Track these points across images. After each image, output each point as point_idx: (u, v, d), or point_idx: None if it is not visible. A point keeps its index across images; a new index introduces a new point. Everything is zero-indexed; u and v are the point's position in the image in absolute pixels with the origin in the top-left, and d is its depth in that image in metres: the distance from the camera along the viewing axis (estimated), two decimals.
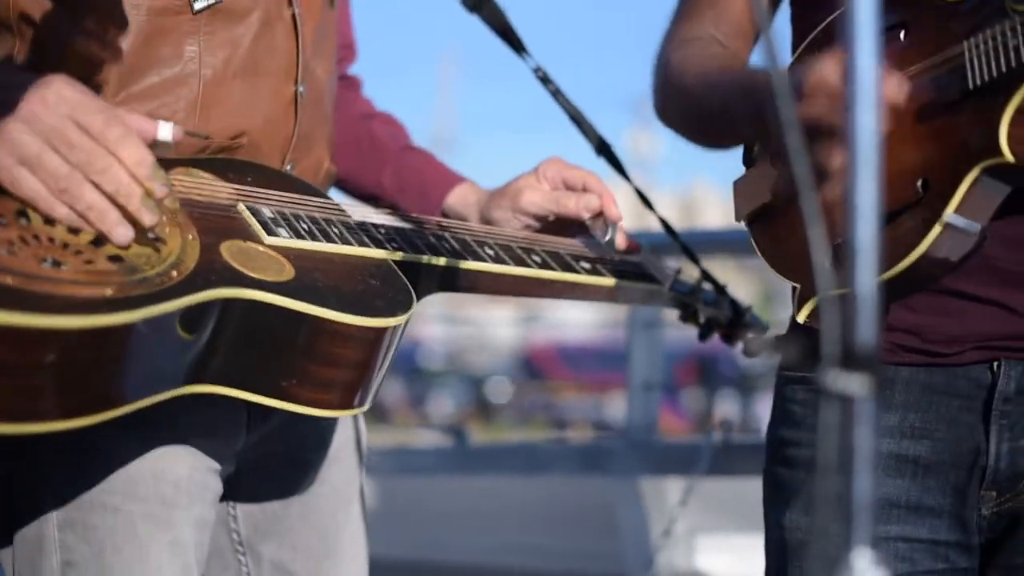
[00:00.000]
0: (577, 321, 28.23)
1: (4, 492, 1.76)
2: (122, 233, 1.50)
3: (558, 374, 21.54)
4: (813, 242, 1.08)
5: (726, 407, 17.13)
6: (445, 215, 2.00)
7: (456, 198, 2.01)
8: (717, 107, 1.83)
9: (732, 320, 1.49)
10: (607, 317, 25.13)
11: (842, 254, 1.08)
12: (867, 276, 1.07)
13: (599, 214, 1.92)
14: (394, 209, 1.98)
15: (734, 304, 1.47)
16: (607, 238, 1.90)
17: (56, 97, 1.50)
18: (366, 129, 2.09)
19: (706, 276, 1.61)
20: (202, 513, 1.76)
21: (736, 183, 1.90)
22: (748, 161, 1.90)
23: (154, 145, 1.57)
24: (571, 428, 17.32)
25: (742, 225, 1.86)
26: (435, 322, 24.32)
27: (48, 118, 1.49)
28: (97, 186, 1.49)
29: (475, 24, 1.47)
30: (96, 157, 1.49)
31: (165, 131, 1.57)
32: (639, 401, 4.11)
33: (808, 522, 1.76)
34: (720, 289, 1.51)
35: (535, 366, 22.35)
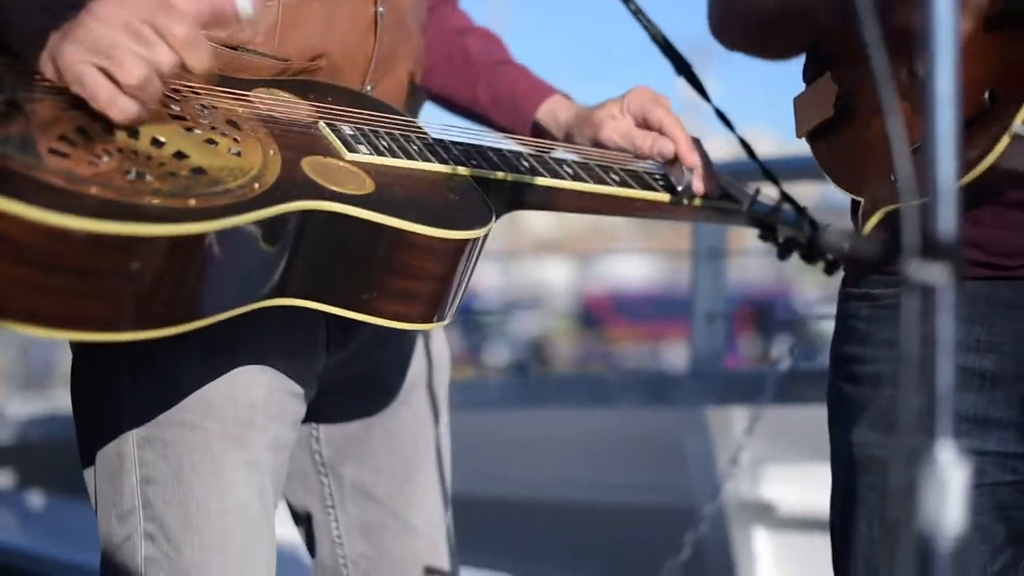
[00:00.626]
0: (633, 270, 28.17)
1: (86, 413, 1.79)
2: (127, 107, 1.46)
3: (614, 323, 21.50)
4: (892, 132, 1.08)
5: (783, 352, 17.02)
6: (536, 129, 1.99)
7: (546, 113, 1.99)
8: None
9: (811, 239, 1.50)
10: (664, 263, 25.05)
11: (916, 159, 1.07)
12: (947, 166, 1.07)
13: (675, 159, 1.90)
14: (487, 125, 1.99)
15: (813, 223, 1.48)
16: (682, 185, 1.88)
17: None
18: (460, 45, 2.08)
19: (785, 197, 1.61)
20: (280, 435, 1.77)
21: (796, 99, 1.89)
22: (808, 77, 1.89)
23: (239, 25, 1.56)
24: None
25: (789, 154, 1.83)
26: (492, 271, 24.32)
27: (123, 14, 1.45)
28: (140, 55, 1.45)
29: None
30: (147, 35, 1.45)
31: (244, 4, 1.54)
32: (703, 331, 4.10)
33: (877, 437, 1.75)
34: (800, 209, 1.52)
35: (592, 315, 22.32)
